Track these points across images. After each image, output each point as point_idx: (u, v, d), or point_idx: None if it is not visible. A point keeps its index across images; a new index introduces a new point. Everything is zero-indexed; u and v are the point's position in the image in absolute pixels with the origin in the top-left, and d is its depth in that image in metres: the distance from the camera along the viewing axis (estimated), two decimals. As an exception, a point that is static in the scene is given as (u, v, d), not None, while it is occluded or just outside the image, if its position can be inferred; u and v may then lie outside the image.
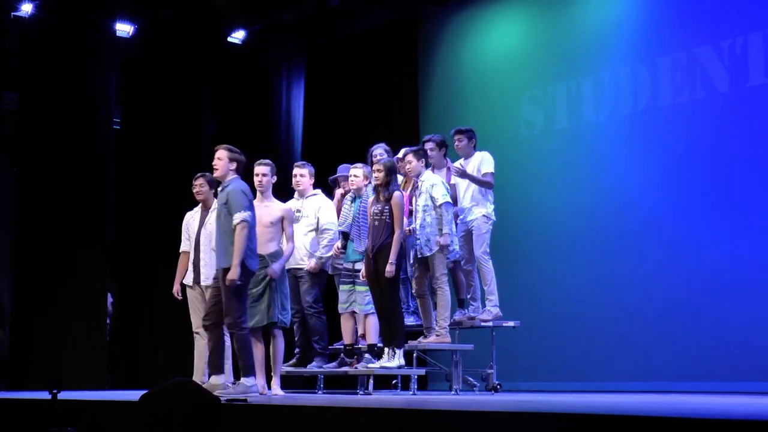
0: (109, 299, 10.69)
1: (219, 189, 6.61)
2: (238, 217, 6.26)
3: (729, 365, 7.84)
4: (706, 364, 8.02)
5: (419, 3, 10.73)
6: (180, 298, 7.62)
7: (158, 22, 10.67)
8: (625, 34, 9.16)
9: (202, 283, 7.35)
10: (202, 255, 7.39)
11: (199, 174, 7.57)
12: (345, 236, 7.27)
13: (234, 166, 6.50)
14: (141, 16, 10.67)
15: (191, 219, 7.64)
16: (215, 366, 6.64)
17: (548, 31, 9.87)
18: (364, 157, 7.81)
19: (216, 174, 6.59)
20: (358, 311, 7.15)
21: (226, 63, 11.56)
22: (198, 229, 7.48)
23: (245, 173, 6.65)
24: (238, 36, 11.35)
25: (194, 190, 7.53)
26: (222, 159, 6.51)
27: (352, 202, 7.27)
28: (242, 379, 6.39)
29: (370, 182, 7.21)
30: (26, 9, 9.95)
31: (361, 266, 7.08)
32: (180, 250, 7.72)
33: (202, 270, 7.37)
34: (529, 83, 9.89)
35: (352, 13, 10.56)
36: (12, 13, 9.99)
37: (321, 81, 11.82)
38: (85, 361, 9.76)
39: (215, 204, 7.01)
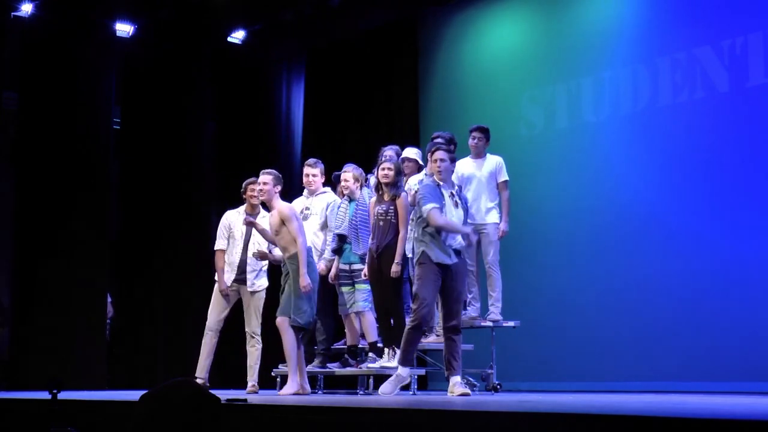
0: (109, 299, 10.68)
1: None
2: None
3: (729, 365, 7.83)
4: (706, 364, 8.01)
5: (419, 3, 10.72)
6: (228, 294, 7.49)
7: (158, 22, 10.67)
8: (625, 34, 9.16)
9: (249, 289, 7.34)
10: (249, 260, 7.32)
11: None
12: (341, 239, 7.23)
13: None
14: (141, 16, 10.66)
15: (234, 218, 7.51)
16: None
17: (548, 31, 9.87)
18: (363, 157, 7.80)
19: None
20: (357, 309, 7.11)
21: (226, 63, 11.55)
22: (247, 232, 7.37)
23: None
24: (238, 36, 11.34)
25: (255, 190, 7.04)
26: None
27: (348, 205, 7.24)
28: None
29: (362, 185, 7.20)
30: (26, 9, 9.94)
31: (358, 267, 7.07)
32: (215, 248, 7.62)
33: (248, 276, 7.38)
34: (529, 83, 9.88)
35: (352, 13, 10.55)
36: (12, 13, 9.98)
37: (321, 81, 11.81)
38: (85, 361, 9.75)
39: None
